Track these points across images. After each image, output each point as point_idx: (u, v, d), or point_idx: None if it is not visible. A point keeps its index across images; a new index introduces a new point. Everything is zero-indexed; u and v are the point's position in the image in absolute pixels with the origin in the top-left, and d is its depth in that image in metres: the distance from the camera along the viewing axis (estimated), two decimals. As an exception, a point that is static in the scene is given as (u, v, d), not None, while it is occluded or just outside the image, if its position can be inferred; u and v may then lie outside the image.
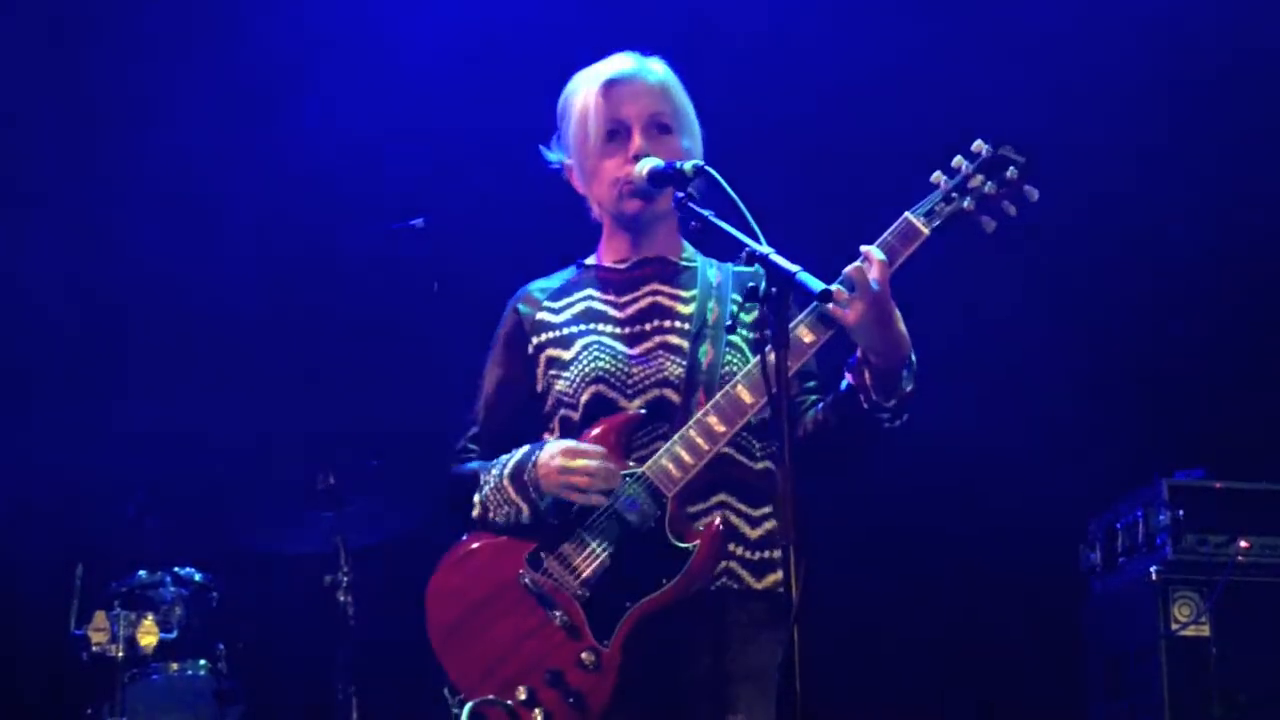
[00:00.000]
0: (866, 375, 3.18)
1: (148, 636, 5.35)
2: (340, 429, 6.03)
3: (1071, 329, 6.66)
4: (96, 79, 6.47)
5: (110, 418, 6.48)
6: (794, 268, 2.86)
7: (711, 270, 3.46)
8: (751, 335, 3.34)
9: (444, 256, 5.37)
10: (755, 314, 3.19)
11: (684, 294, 3.41)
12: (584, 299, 3.44)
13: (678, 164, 3.23)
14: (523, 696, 3.14)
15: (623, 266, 3.47)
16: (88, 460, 6.42)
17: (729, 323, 3.29)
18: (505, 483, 3.25)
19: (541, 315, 3.44)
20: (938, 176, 3.22)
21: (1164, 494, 5.68)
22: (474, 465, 3.39)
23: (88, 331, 6.58)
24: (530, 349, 3.42)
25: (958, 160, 3.22)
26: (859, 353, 3.19)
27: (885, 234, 3.17)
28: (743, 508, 3.28)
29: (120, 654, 5.28)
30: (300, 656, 5.82)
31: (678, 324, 3.37)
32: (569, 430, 3.33)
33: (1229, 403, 6.39)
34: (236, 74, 6.46)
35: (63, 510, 6.33)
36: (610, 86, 3.39)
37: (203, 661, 5.52)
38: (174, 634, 5.47)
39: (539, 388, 3.41)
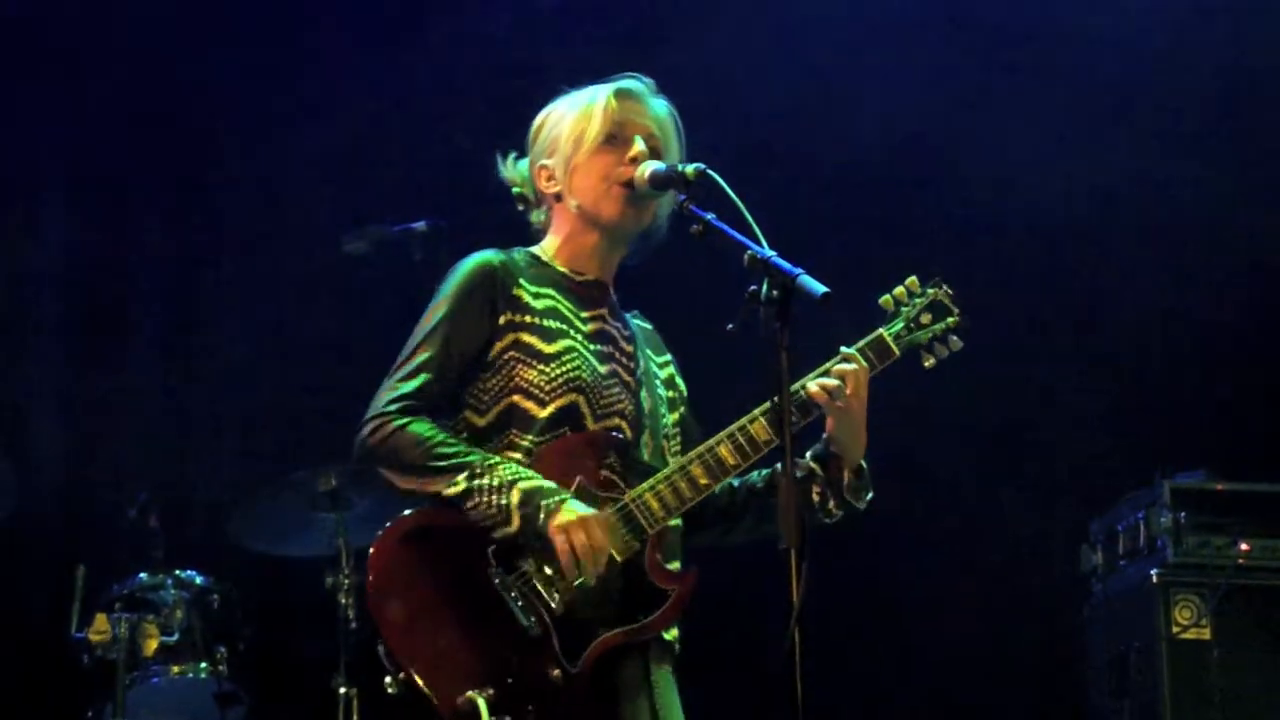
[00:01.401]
0: (845, 473, 3.27)
1: (149, 639, 5.35)
2: (342, 430, 6.02)
3: (1073, 330, 6.66)
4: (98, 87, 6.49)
5: (112, 419, 6.49)
6: (796, 270, 2.89)
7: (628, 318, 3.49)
8: (668, 394, 3.44)
9: (447, 258, 5.35)
10: (667, 370, 3.48)
11: (625, 332, 3.42)
12: (551, 297, 3.33)
13: (680, 166, 3.23)
14: (490, 693, 3.01)
15: (578, 280, 3.39)
16: (89, 462, 6.43)
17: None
18: (512, 492, 3.09)
19: (519, 292, 3.29)
20: (886, 300, 3.38)
21: (1165, 496, 5.68)
22: (446, 438, 3.17)
23: (90, 331, 6.58)
24: (501, 320, 3.26)
25: (900, 291, 3.38)
26: (828, 447, 3.27)
27: (861, 343, 3.32)
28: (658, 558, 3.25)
29: (121, 657, 5.27)
30: (302, 659, 5.81)
31: (625, 360, 3.37)
32: (522, 421, 3.21)
33: (1230, 404, 6.39)
34: (238, 73, 6.47)
35: (64, 513, 6.33)
36: (623, 95, 3.38)
37: (204, 664, 5.51)
38: (175, 637, 5.46)
39: (491, 362, 3.25)
